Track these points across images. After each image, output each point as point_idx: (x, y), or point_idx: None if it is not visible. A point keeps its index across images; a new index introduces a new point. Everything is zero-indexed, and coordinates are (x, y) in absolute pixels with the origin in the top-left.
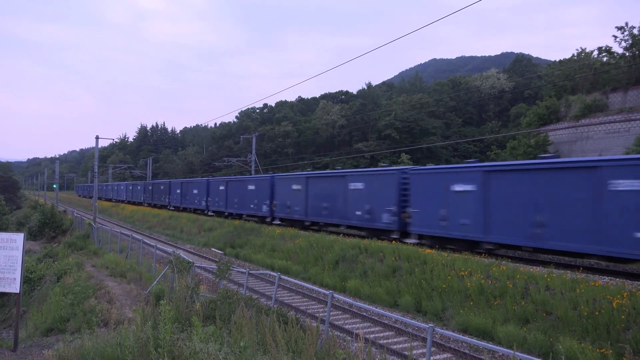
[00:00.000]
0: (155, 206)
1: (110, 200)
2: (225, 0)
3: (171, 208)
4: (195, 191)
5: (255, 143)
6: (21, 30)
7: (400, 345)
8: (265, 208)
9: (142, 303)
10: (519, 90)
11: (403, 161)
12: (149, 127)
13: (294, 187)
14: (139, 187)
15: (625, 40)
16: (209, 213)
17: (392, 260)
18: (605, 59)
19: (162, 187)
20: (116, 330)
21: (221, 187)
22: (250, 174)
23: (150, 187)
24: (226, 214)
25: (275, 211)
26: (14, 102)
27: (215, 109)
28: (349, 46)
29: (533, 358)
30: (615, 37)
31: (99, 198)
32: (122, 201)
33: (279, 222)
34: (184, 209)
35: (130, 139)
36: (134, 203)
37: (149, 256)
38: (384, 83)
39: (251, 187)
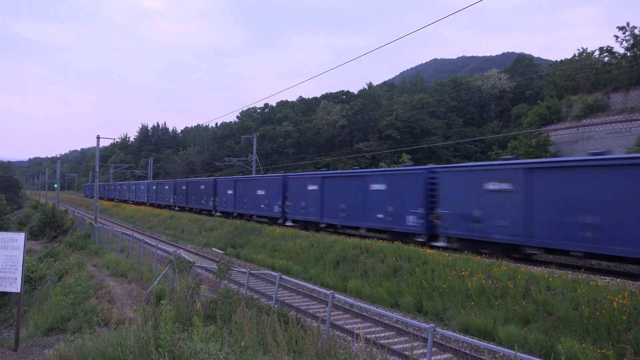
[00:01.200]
0: (191, 211)
1: (125, 202)
2: (225, 0)
3: (217, 214)
4: (260, 192)
5: (256, 143)
6: (22, 30)
7: (401, 346)
8: (413, 220)
9: (143, 303)
10: (520, 90)
11: (404, 161)
12: (150, 127)
13: (491, 186)
14: (166, 187)
15: (627, 40)
16: (287, 223)
17: (392, 261)
18: (606, 59)
19: (202, 186)
20: (117, 330)
21: (311, 187)
22: (251, 174)
23: (183, 187)
24: (322, 225)
25: (440, 226)
26: (15, 102)
27: (216, 108)
28: (349, 46)
29: (534, 358)
30: (617, 37)
31: (111, 199)
32: (143, 204)
33: (445, 244)
34: (239, 216)
35: (131, 139)
36: (158, 206)
37: (150, 256)
38: (384, 83)
39: (378, 186)
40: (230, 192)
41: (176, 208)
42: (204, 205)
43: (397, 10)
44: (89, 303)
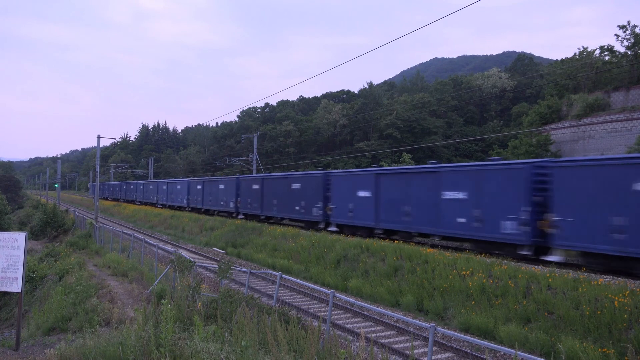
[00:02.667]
0: (270, 221)
1: (153, 205)
2: (225, 0)
3: (331, 228)
4: (451, 195)
5: (257, 142)
6: (24, 30)
7: (402, 345)
8: None
9: (144, 302)
10: (520, 89)
11: (405, 160)
12: (150, 126)
13: (294, 186)
14: (221, 187)
15: (628, 39)
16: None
17: (393, 260)
18: (607, 57)
19: (296, 185)
20: (118, 329)
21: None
22: (252, 174)
23: (255, 187)
24: None
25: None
26: (16, 102)
27: (217, 108)
28: (350, 45)
29: (535, 358)
30: (617, 35)
31: (130, 201)
32: (180, 208)
33: None
34: (388, 234)
35: (132, 139)
36: (206, 212)
37: (151, 255)
38: (385, 82)
39: None
40: (364, 194)
41: (240, 216)
42: (303, 215)
43: (398, 9)
44: (90, 303)
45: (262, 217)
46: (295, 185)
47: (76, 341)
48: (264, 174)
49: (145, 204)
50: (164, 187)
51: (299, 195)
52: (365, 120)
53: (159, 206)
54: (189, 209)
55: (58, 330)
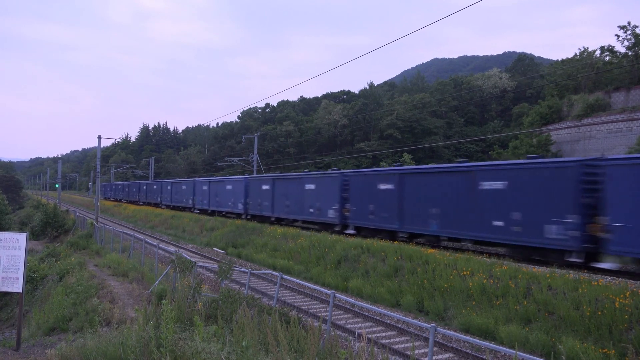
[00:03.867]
0: (413, 240)
1: (188, 209)
2: (226, 0)
3: (606, 265)
4: None
5: (257, 143)
6: (24, 31)
7: (402, 345)
8: None
9: (144, 302)
10: (521, 89)
11: (405, 161)
12: (151, 126)
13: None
14: (309, 187)
15: (628, 40)
16: None
17: (394, 260)
18: (607, 58)
19: (487, 183)
20: (118, 329)
21: None
22: (253, 174)
23: (386, 187)
24: None
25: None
26: (17, 102)
27: (217, 108)
28: (350, 45)
29: (535, 358)
30: (618, 36)
31: (153, 204)
32: (232, 215)
33: None
34: None
35: (133, 139)
36: (278, 222)
37: (151, 256)
38: (385, 83)
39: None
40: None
41: (351, 230)
42: (519, 236)
43: (398, 10)
44: (91, 303)
45: (402, 235)
46: (489, 184)
47: (77, 341)
48: (407, 167)
49: (175, 208)
50: (204, 188)
51: (502, 200)
52: (366, 120)
53: (195, 211)
54: (247, 216)
55: (59, 331)
